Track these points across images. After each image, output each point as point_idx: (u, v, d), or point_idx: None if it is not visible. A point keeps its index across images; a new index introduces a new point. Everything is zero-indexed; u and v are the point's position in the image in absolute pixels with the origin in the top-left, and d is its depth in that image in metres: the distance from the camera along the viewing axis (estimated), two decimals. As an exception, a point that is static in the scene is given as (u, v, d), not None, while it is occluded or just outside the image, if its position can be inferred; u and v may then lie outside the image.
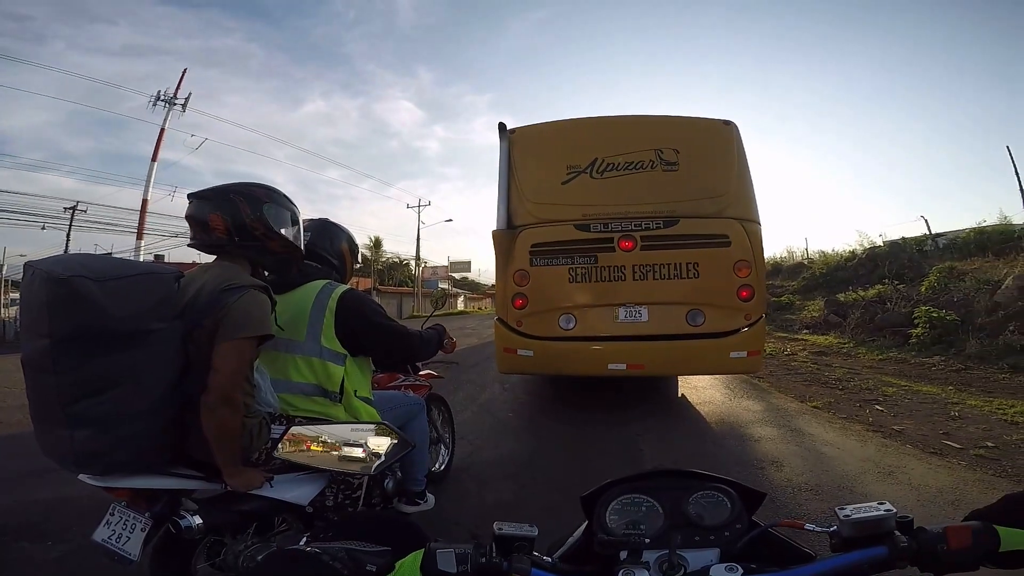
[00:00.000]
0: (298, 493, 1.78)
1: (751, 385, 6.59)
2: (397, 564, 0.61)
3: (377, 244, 42.92)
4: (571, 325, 4.77)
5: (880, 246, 16.74)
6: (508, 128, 5.10)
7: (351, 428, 0.87)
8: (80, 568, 2.31)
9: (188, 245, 1.83)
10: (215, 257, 1.81)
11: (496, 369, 5.39)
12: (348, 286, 2.18)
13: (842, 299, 12.57)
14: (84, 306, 1.33)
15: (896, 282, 12.08)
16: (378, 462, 0.84)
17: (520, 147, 5.07)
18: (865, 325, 10.44)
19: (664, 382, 6.38)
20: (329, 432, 0.87)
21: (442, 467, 3.38)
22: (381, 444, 0.85)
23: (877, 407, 5.27)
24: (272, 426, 1.75)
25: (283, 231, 1.80)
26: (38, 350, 1.36)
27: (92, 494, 3.00)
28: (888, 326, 9.76)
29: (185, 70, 28.35)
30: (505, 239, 4.89)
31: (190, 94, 22.84)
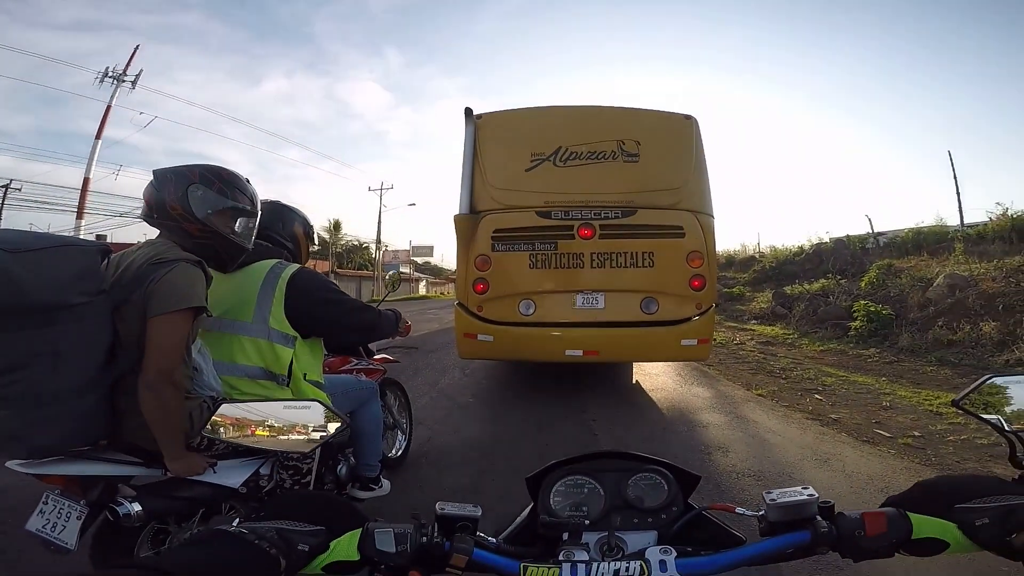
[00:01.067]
0: (242, 478, 1.73)
1: (701, 373, 6.83)
2: (332, 544, 0.60)
3: (336, 227, 41.88)
4: (530, 311, 4.83)
5: (826, 242, 17.50)
6: (474, 113, 5.08)
7: (283, 406, 0.84)
8: (20, 558, 2.22)
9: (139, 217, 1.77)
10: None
11: (456, 354, 5.40)
12: (300, 265, 2.11)
13: (789, 292, 13.12)
14: None
15: (839, 277, 12.69)
16: (314, 442, 0.82)
17: (486, 132, 5.06)
18: (809, 317, 10.95)
19: (619, 368, 6.53)
20: (260, 411, 0.84)
21: (399, 453, 3.36)
22: (316, 423, 0.82)
23: (817, 396, 5.56)
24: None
25: (206, 216, 1.68)
26: None
27: (29, 484, 2.86)
28: (830, 318, 10.26)
29: (138, 46, 26.95)
30: (467, 224, 4.87)
31: (141, 71, 21.91)
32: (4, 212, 22.15)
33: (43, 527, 1.52)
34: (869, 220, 18.09)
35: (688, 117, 5.14)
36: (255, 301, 1.90)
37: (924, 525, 0.63)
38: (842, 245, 16.44)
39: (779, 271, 16.68)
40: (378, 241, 40.40)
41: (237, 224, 1.78)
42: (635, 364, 6.71)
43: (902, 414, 4.78)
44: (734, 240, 28.88)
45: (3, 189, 22.28)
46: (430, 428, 4.29)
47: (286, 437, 0.83)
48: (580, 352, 4.74)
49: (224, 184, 1.74)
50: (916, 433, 4.19)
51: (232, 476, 1.71)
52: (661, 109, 5.31)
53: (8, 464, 1.49)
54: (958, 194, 18.16)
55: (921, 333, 8.20)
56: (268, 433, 0.85)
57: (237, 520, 0.60)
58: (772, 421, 4.64)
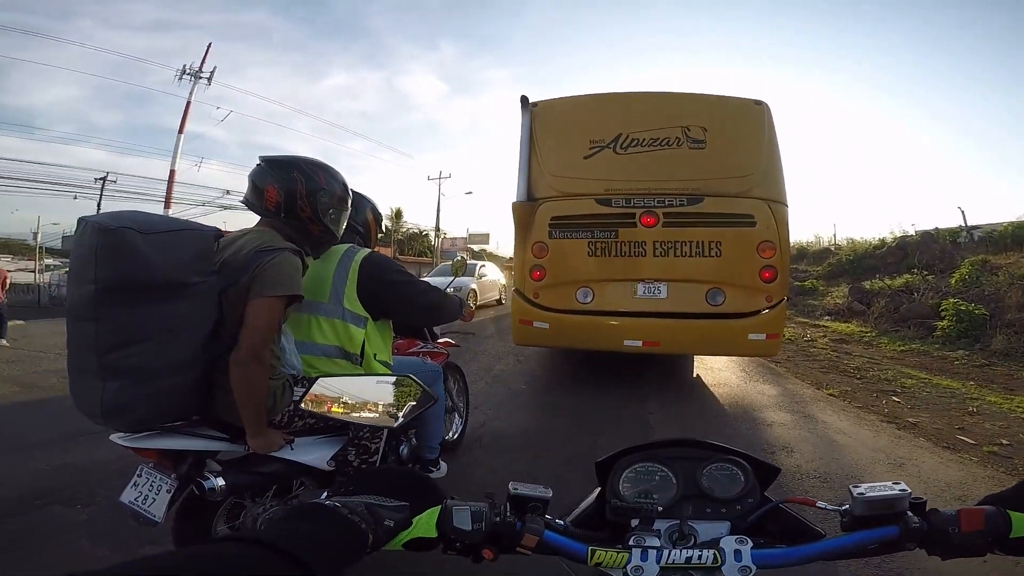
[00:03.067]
0: (318, 456, 1.82)
1: (767, 369, 6.54)
2: (414, 520, 0.61)
3: (398, 215, 43.14)
4: (588, 299, 4.79)
5: (912, 235, 16.26)
6: (531, 101, 5.07)
7: (376, 381, 0.87)
8: (107, 530, 2.39)
9: (241, 201, 1.86)
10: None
11: (511, 341, 5.44)
12: (371, 249, 2.19)
13: (868, 287, 12.33)
14: (129, 255, 1.38)
15: (925, 272, 11.77)
16: (401, 416, 0.84)
17: (542, 120, 5.04)
18: (889, 314, 10.23)
19: (679, 361, 6.38)
20: (353, 385, 0.88)
21: (455, 436, 3.43)
22: (405, 397, 0.85)
23: (894, 398, 5.20)
24: (295, 388, 1.77)
25: (328, 218, 1.84)
26: (83, 296, 1.40)
27: (120, 457, 3.11)
28: (913, 317, 9.55)
29: (210, 44, 28.65)
30: (525, 211, 4.88)
31: (215, 68, 23.08)
32: (102, 203, 24.34)
33: (135, 499, 1.62)
34: (962, 212, 16.47)
35: (759, 102, 4.90)
36: (330, 282, 1.99)
37: None
38: (930, 239, 15.20)
39: (857, 265, 15.70)
40: (437, 228, 41.19)
41: (340, 221, 1.94)
42: (696, 358, 6.53)
43: (990, 420, 4.40)
44: (807, 231, 27.37)
45: (101, 181, 24.60)
46: (484, 413, 4.36)
47: (377, 412, 0.85)
48: (639, 342, 4.66)
49: (342, 189, 1.90)
50: (1004, 441, 3.86)
51: (308, 454, 1.79)
52: (728, 95, 5.07)
53: (112, 437, 1.59)
54: (1070, 183, 16.27)
55: (1018, 336, 7.48)
56: (359, 408, 0.87)
57: (325, 493, 0.61)
58: (843, 422, 4.39)
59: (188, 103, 22.49)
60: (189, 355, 1.54)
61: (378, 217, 2.49)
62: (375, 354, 2.03)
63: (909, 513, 0.62)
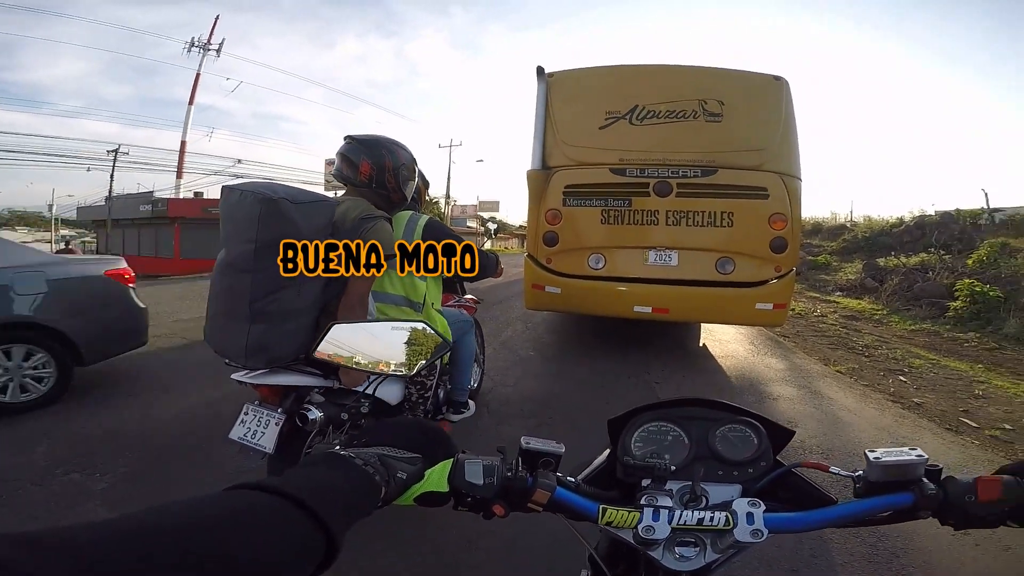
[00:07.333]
0: (387, 391, 2.10)
1: (775, 343, 6.54)
2: (427, 473, 0.59)
3: (409, 182, 42.80)
4: (600, 265, 4.88)
5: (931, 215, 15.92)
6: (546, 71, 5.08)
7: (391, 327, 0.86)
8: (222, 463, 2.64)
9: (332, 175, 2.22)
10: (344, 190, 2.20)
11: (520, 307, 5.51)
12: (430, 215, 2.50)
13: (882, 264, 12.15)
14: (284, 220, 1.71)
15: (942, 252, 11.56)
16: (419, 362, 0.84)
17: (558, 90, 5.05)
18: (902, 292, 10.10)
19: (686, 331, 6.43)
20: (370, 330, 0.87)
21: (475, 384, 3.62)
22: (421, 343, 0.85)
23: (901, 378, 5.19)
24: None
25: (406, 188, 2.24)
26: (243, 253, 1.73)
27: (216, 413, 3.22)
28: (926, 296, 9.44)
29: (218, 16, 28.43)
30: (539, 179, 4.92)
31: (223, 40, 23.13)
32: (115, 173, 24.67)
33: (244, 435, 1.83)
34: (985, 194, 15.97)
35: (778, 78, 4.86)
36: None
37: None
38: (950, 219, 14.86)
39: (872, 242, 15.41)
40: (447, 196, 40.86)
41: (412, 189, 2.32)
42: (704, 329, 6.58)
43: (994, 404, 4.39)
44: (823, 207, 26.92)
45: (113, 153, 25.10)
46: (491, 379, 4.40)
47: (396, 360, 0.85)
48: (649, 309, 4.76)
49: (413, 162, 2.28)
50: (1007, 426, 3.85)
51: (381, 388, 2.04)
52: (747, 70, 5.01)
53: (233, 376, 1.84)
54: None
55: (1032, 320, 7.38)
56: (376, 354, 0.87)
57: (337, 444, 0.60)
58: (848, 399, 4.40)
59: (197, 75, 22.55)
60: (312, 300, 1.84)
61: (426, 184, 2.79)
62: (432, 303, 2.38)
63: (925, 480, 0.61)
